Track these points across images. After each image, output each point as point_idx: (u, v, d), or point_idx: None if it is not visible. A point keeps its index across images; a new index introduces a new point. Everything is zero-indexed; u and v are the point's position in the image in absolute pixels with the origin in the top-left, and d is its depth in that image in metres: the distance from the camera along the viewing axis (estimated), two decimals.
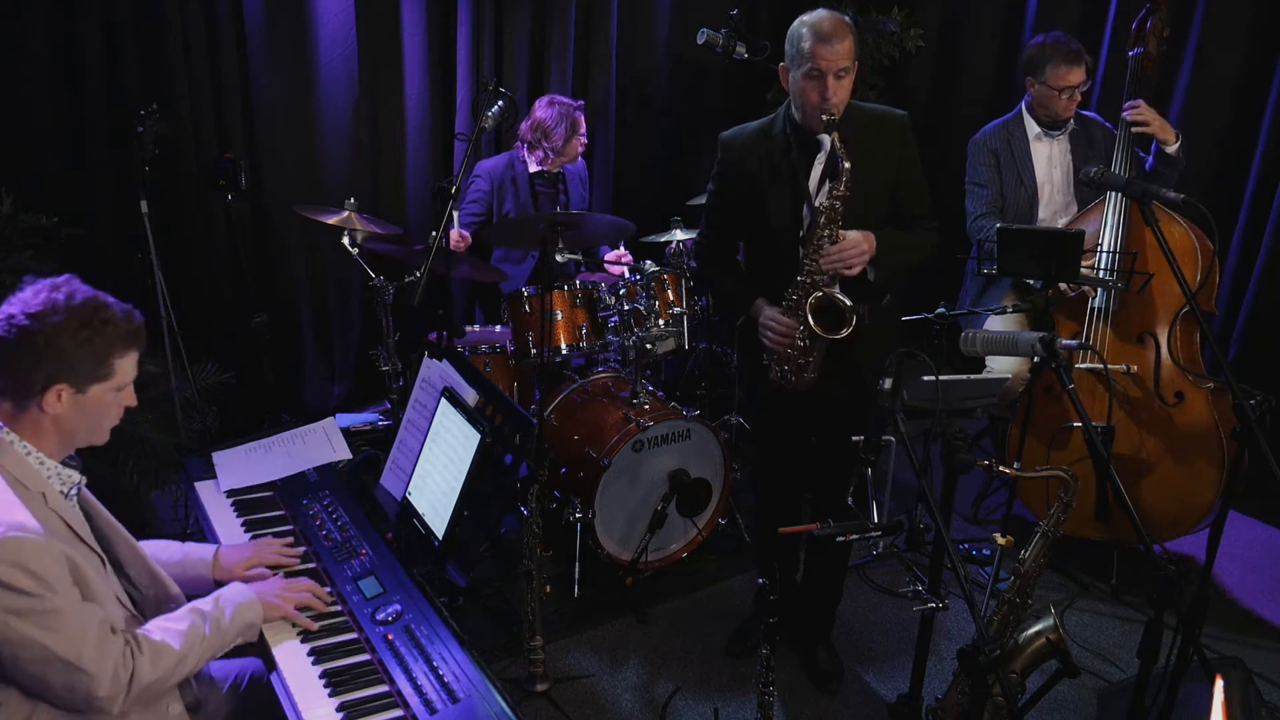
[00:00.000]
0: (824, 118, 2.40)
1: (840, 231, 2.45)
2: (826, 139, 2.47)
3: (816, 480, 2.84)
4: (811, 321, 2.47)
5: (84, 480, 1.78)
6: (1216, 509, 3.04)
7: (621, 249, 4.19)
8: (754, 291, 2.68)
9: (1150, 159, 3.39)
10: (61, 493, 1.72)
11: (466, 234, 3.83)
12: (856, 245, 2.46)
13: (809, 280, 2.49)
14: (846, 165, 2.39)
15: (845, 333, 2.44)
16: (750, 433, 4.15)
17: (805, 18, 2.45)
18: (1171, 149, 3.29)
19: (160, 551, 2.03)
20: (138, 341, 1.72)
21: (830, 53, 2.37)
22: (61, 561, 1.59)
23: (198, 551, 2.07)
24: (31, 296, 1.63)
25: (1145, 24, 3.24)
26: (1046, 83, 3.43)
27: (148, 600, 1.89)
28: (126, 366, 1.71)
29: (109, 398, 1.71)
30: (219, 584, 1.99)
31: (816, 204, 2.50)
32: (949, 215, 3.70)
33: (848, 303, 2.44)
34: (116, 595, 1.77)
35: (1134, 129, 3.25)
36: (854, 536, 1.96)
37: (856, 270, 2.49)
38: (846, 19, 2.43)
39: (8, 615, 1.53)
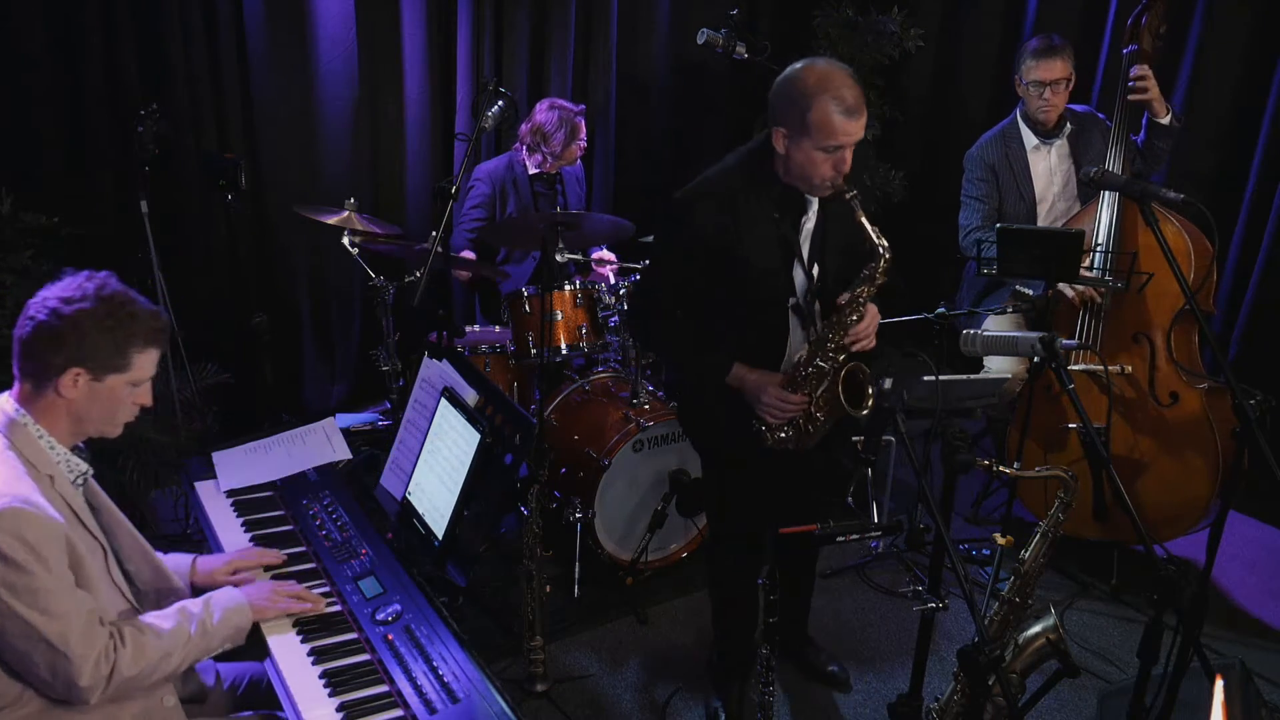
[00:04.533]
0: (832, 192, 2.23)
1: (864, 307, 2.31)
2: (814, 201, 2.33)
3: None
4: (843, 397, 2.32)
5: (91, 471, 1.81)
6: (1215, 507, 3.05)
7: (604, 250, 4.13)
8: (727, 359, 2.41)
9: (1142, 135, 3.36)
10: (69, 479, 1.75)
11: None
12: (876, 318, 2.34)
13: (828, 356, 2.33)
14: (884, 246, 2.21)
15: (869, 406, 2.30)
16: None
17: (824, 87, 2.14)
18: (1164, 120, 3.28)
19: None
20: (159, 340, 1.78)
21: (857, 128, 2.17)
22: (61, 541, 1.62)
23: (174, 561, 2.05)
24: (66, 283, 1.70)
25: (1140, 20, 3.23)
26: (1021, 77, 3.43)
27: (148, 595, 1.90)
28: (145, 362, 1.76)
29: (124, 391, 1.75)
30: (196, 591, 1.98)
31: (843, 300, 2.31)
32: (950, 215, 3.71)
33: (870, 376, 2.31)
34: (116, 584, 1.78)
35: (1135, 83, 3.20)
36: (854, 536, 1.97)
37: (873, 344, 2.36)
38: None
39: (1, 588, 1.55)
